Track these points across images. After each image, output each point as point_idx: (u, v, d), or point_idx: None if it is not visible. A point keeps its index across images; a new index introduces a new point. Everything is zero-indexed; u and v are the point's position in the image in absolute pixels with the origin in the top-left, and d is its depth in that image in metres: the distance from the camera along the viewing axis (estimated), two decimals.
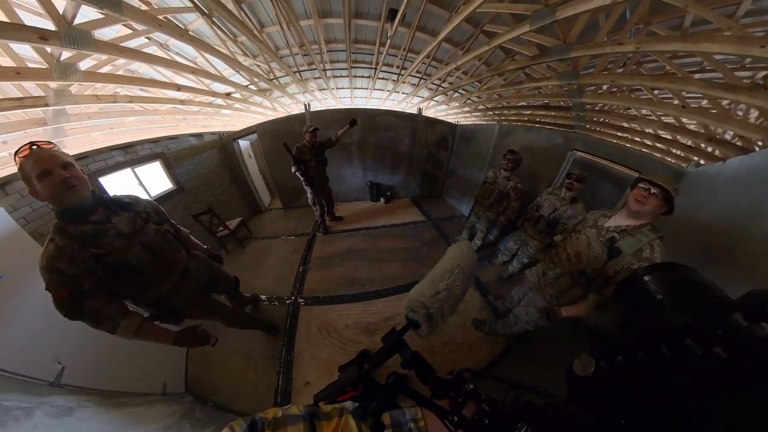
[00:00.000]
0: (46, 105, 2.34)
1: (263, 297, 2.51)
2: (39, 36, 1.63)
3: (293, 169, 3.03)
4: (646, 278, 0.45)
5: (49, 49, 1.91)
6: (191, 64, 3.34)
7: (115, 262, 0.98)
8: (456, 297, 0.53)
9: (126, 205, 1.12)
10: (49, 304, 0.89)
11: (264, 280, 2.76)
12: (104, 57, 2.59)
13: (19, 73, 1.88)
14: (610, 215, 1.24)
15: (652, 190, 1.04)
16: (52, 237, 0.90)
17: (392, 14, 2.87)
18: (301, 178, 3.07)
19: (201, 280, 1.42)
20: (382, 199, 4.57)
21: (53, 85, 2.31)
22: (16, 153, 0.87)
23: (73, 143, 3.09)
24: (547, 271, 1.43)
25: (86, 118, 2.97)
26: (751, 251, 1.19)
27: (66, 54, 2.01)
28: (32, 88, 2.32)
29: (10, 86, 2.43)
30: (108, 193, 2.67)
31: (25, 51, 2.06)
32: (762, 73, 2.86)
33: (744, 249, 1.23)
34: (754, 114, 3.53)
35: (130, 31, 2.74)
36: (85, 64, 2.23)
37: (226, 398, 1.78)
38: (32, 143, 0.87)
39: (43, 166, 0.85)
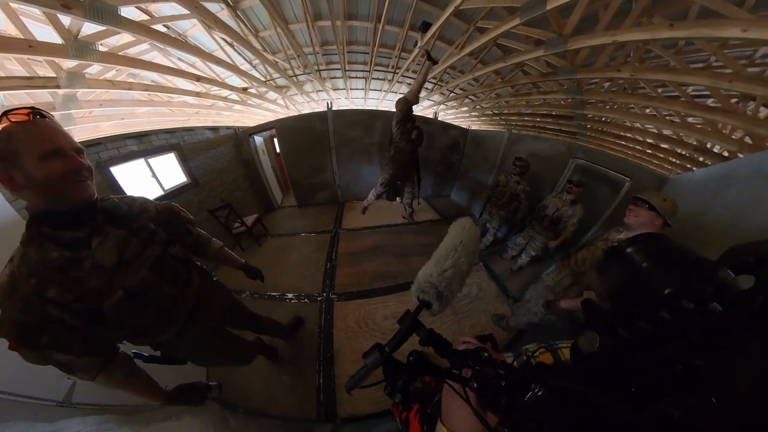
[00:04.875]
0: (58, 87, 2.04)
1: (290, 295, 2.27)
2: (61, 3, 1.38)
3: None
4: (629, 250, 0.46)
5: (67, 22, 1.64)
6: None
7: (85, 311, 0.62)
8: (462, 273, 0.53)
9: (123, 217, 0.74)
10: None
11: (289, 277, 2.54)
12: (126, 40, 2.31)
13: (31, 46, 1.60)
14: (621, 231, 1.35)
15: (638, 203, 1.23)
16: (13, 257, 0.60)
17: (425, 26, 2.78)
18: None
19: (215, 317, 1.09)
20: (398, 198, 4.42)
21: (66, 66, 2.02)
22: (4, 113, 0.56)
23: (81, 133, 2.76)
24: (558, 276, 1.60)
25: (97, 106, 2.66)
26: (701, 238, 1.62)
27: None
28: (43, 73, 2.01)
29: (19, 70, 2.10)
30: (119, 183, 2.36)
31: (39, 32, 1.77)
32: None
33: (698, 237, 1.64)
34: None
35: (148, 17, 2.48)
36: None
37: (260, 403, 1.57)
38: (33, 108, 0.57)
39: (53, 143, 0.57)
